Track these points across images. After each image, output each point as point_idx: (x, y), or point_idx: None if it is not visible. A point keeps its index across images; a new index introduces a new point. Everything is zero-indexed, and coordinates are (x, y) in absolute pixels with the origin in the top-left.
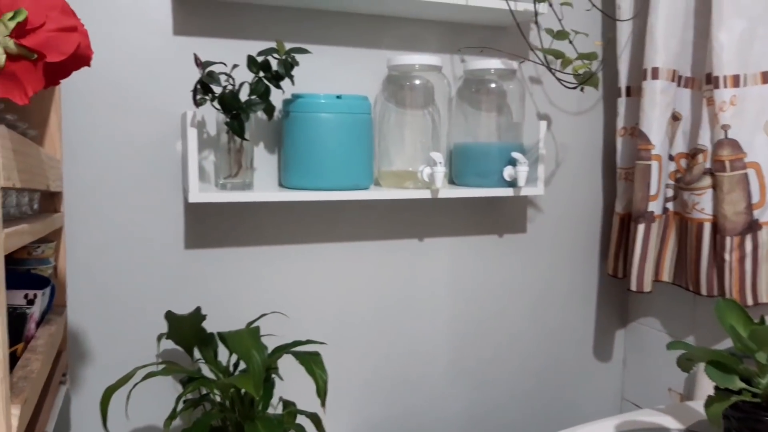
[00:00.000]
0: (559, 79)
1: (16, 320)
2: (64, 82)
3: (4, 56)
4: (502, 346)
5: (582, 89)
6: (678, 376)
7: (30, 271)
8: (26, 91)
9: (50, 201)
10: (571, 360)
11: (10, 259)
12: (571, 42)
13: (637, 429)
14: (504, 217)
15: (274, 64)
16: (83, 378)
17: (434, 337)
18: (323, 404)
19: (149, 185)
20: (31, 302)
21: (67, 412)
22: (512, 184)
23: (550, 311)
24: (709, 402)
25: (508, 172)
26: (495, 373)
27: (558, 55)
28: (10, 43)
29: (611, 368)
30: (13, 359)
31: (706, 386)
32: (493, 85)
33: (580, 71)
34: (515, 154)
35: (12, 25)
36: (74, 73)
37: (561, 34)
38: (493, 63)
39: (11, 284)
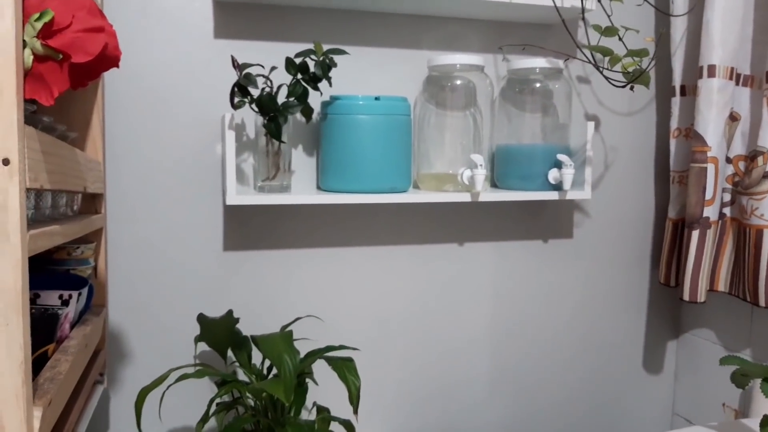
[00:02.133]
0: (607, 78)
1: (48, 321)
2: (108, 85)
3: (31, 57)
4: (545, 356)
5: (632, 88)
6: (733, 391)
7: (69, 272)
8: (52, 91)
9: (91, 202)
10: (620, 372)
11: (50, 259)
12: (620, 39)
13: None
14: (549, 221)
15: (311, 66)
16: (122, 377)
17: (474, 345)
18: (356, 411)
19: (189, 187)
20: (66, 303)
21: (106, 411)
22: (557, 187)
23: (598, 320)
24: (765, 422)
25: (553, 174)
26: (537, 383)
27: (606, 52)
28: (37, 44)
29: (662, 381)
30: (44, 360)
31: (763, 403)
32: (538, 85)
33: (630, 69)
34: (561, 157)
35: (39, 26)
36: (117, 76)
37: (610, 31)
38: (539, 62)
39: (48, 285)
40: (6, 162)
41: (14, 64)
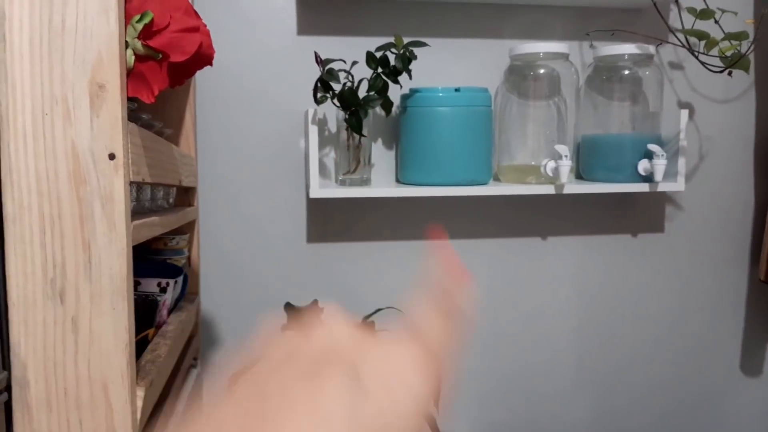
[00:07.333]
0: (703, 63)
1: (148, 306)
2: (198, 83)
3: (133, 57)
4: (634, 356)
5: (730, 73)
6: None
7: (165, 261)
8: (153, 90)
9: (185, 195)
10: (715, 374)
11: (147, 249)
12: (717, 21)
13: None
14: (639, 215)
15: (392, 59)
16: (214, 362)
17: (558, 342)
18: (437, 404)
19: (274, 181)
20: (163, 290)
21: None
22: (648, 178)
23: (691, 319)
24: None
25: (643, 165)
26: (625, 383)
27: (702, 36)
28: (138, 45)
29: (762, 383)
30: (145, 343)
31: None
32: (626, 72)
33: (728, 53)
34: (652, 146)
35: (140, 27)
36: (207, 74)
37: (705, 13)
38: (627, 48)
39: (147, 273)
40: (112, 156)
41: (119, 64)
